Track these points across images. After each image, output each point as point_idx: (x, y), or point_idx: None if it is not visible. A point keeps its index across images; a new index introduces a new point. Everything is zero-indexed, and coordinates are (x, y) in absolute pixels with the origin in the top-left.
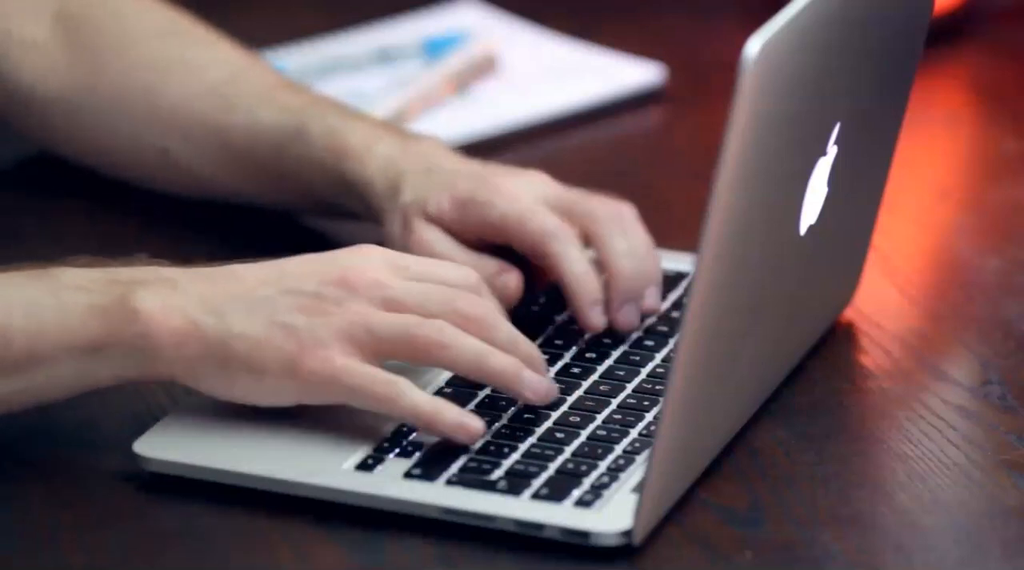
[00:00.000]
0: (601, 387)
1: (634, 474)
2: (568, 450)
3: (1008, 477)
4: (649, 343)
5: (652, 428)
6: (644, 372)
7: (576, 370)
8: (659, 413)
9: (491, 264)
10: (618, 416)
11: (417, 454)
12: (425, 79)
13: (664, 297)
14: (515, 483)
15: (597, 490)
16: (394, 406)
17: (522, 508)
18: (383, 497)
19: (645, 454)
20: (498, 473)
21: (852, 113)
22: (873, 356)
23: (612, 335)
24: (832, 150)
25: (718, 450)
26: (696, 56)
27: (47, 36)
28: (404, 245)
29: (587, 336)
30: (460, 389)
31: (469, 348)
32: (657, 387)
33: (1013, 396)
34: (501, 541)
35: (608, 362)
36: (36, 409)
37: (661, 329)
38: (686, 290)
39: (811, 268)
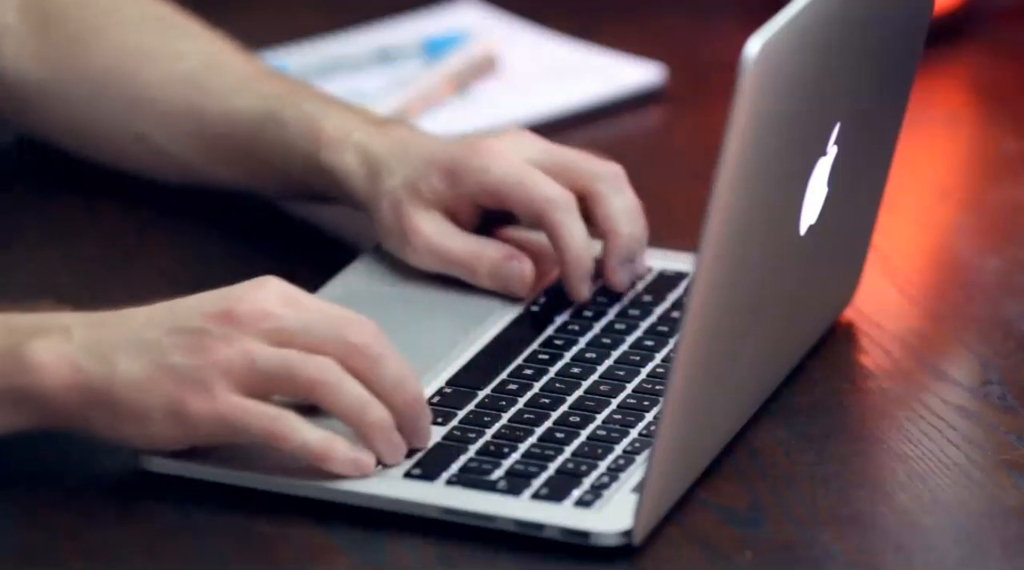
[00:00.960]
0: (601, 387)
1: (634, 474)
2: (568, 450)
3: (1008, 477)
4: (649, 343)
5: (652, 428)
6: (644, 372)
7: (576, 370)
8: (659, 413)
9: (497, 249)
10: (618, 416)
11: (417, 454)
12: (425, 79)
13: (664, 297)
14: (515, 483)
15: (597, 490)
16: (284, 443)
17: (522, 508)
18: (383, 497)
19: (645, 454)
20: (498, 473)
21: (852, 113)
22: (873, 356)
23: (612, 335)
24: (832, 150)
25: (718, 450)
26: (696, 56)
27: (16, 22)
28: (401, 237)
29: (587, 335)
30: (460, 389)
31: (352, 394)
32: (657, 387)
33: (1013, 396)
34: (501, 541)
35: (608, 362)
36: None
37: (661, 329)
38: (686, 290)
39: (811, 268)
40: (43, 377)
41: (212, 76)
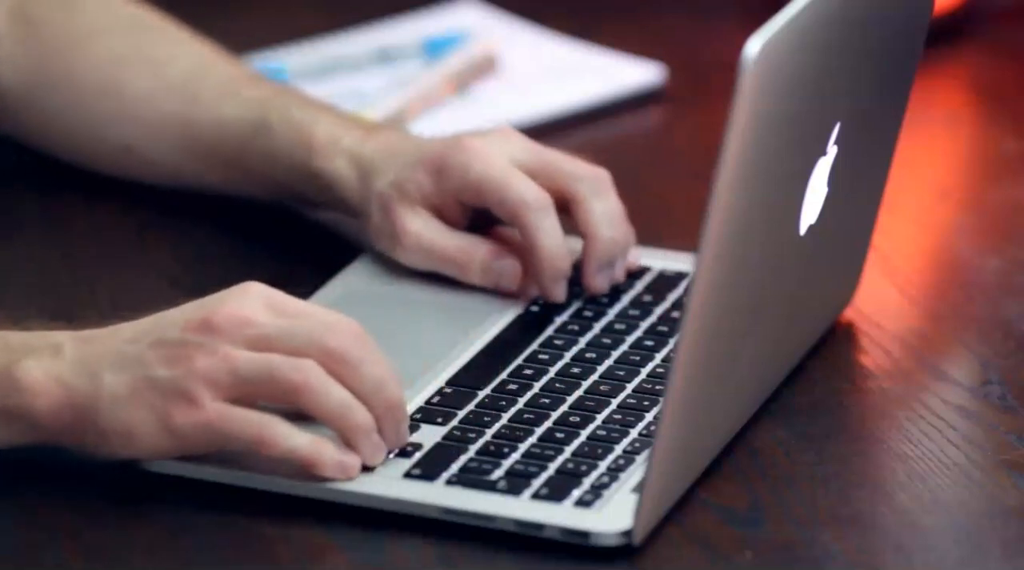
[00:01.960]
0: (601, 387)
1: (634, 474)
2: (568, 450)
3: (1008, 477)
4: (649, 343)
5: (652, 428)
6: (644, 372)
7: (576, 370)
8: (659, 413)
9: (489, 247)
10: (618, 416)
11: (417, 454)
12: (425, 79)
13: (664, 297)
14: (515, 483)
15: (597, 490)
16: (272, 448)
17: (522, 508)
18: (383, 497)
19: (645, 454)
20: (498, 473)
21: (852, 113)
22: (873, 356)
23: (612, 335)
24: (832, 150)
25: (718, 450)
26: (696, 56)
27: (2, 30)
28: (391, 237)
29: (587, 335)
30: (460, 389)
31: (335, 397)
32: (657, 387)
33: (1013, 396)
34: (501, 541)
35: (608, 362)
36: None
37: (661, 329)
38: (686, 290)
39: (811, 268)
40: (34, 397)
41: (199, 84)
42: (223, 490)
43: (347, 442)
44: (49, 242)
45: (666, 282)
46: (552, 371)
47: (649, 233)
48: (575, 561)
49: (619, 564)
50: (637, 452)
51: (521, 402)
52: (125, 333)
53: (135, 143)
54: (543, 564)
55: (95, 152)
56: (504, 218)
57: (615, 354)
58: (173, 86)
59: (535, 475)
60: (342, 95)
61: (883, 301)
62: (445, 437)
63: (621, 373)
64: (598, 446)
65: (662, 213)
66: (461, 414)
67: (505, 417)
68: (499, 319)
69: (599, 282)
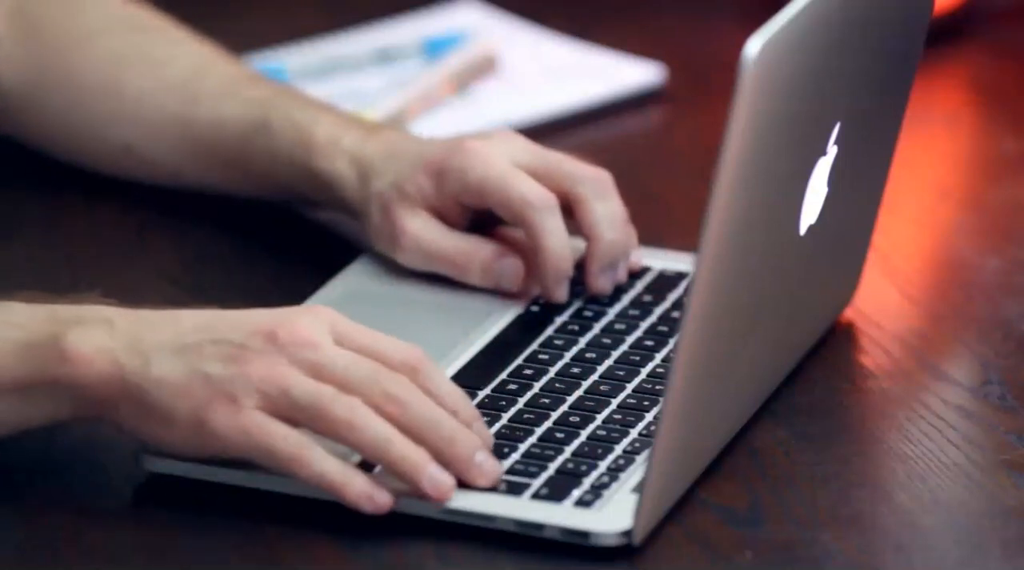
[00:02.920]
0: (601, 387)
1: (634, 474)
2: (568, 450)
3: (1008, 477)
4: (649, 343)
5: (652, 428)
6: (644, 372)
7: (576, 370)
8: (659, 413)
9: (486, 248)
10: (618, 416)
11: None
12: (425, 79)
13: (664, 297)
14: (515, 483)
15: (597, 490)
16: (302, 470)
17: (522, 508)
18: None
19: (645, 454)
20: None
21: (852, 113)
22: (873, 356)
23: (612, 335)
24: (832, 150)
25: (718, 450)
26: (696, 56)
27: (3, 31)
28: (391, 238)
29: (587, 335)
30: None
31: (377, 433)
32: (657, 387)
33: (1013, 396)
34: (501, 541)
35: (608, 362)
36: None
37: (661, 329)
38: (686, 290)
39: (811, 268)
40: (81, 367)
41: (199, 83)
42: (223, 490)
43: (396, 477)
44: (49, 242)
45: (666, 282)
46: (552, 371)
47: (649, 233)
48: (575, 561)
49: (619, 564)
50: (637, 452)
51: (521, 402)
52: (185, 323)
53: (135, 143)
54: (543, 564)
55: (95, 152)
56: (508, 219)
57: (615, 354)
58: (173, 86)
59: (535, 475)
60: (342, 95)
61: (883, 301)
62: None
63: (621, 373)
64: (598, 446)
65: (662, 213)
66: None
67: (505, 417)
68: (499, 319)
69: (602, 283)
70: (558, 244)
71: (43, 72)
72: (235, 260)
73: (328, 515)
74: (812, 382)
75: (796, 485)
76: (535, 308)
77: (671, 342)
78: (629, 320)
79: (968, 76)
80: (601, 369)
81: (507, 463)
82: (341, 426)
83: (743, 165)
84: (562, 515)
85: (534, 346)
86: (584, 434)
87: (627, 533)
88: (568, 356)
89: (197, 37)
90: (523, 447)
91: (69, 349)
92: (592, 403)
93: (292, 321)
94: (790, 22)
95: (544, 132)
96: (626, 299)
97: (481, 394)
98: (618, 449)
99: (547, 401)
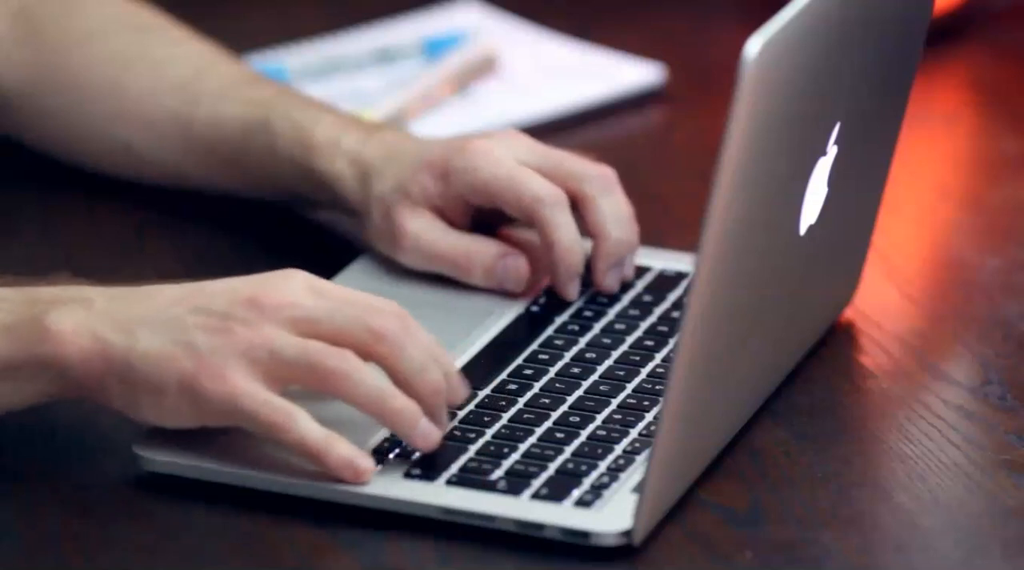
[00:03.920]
0: (601, 387)
1: (634, 474)
2: (568, 450)
3: (1008, 477)
4: (649, 343)
5: (652, 428)
6: (644, 372)
7: (576, 370)
8: (659, 413)
9: (490, 248)
10: (618, 416)
11: (417, 454)
12: (425, 79)
13: (664, 297)
14: (515, 483)
15: (597, 490)
16: (284, 436)
17: (522, 508)
18: (383, 497)
19: (645, 454)
20: (498, 473)
21: (852, 113)
22: (873, 356)
23: (612, 335)
24: (832, 150)
25: (718, 450)
26: (696, 56)
27: (4, 30)
28: (391, 239)
29: (587, 336)
30: None
31: (370, 385)
32: (657, 387)
33: (1013, 396)
34: (501, 541)
35: (608, 362)
36: (35, 408)
37: (661, 329)
38: (686, 290)
39: (811, 268)
40: (63, 344)
41: (199, 83)
42: (223, 490)
43: (390, 428)
44: (48, 242)
45: (666, 282)
46: (552, 371)
47: (649, 233)
48: (575, 561)
49: (619, 564)
50: (637, 452)
51: (521, 402)
52: (164, 295)
53: (136, 143)
54: (543, 564)
55: (96, 152)
56: (518, 216)
57: (615, 354)
58: (174, 86)
59: (535, 475)
60: (342, 95)
61: (883, 301)
62: (445, 437)
63: (621, 373)
64: (598, 446)
65: (662, 213)
66: (461, 414)
67: (505, 417)
68: (499, 319)
69: (610, 281)
70: (570, 239)
71: (44, 72)
72: (235, 260)
73: (328, 515)
74: (812, 382)
75: (796, 485)
76: (535, 308)
77: (671, 342)
78: (629, 320)
79: (968, 76)
80: (601, 369)
81: (507, 463)
82: (336, 377)
83: (743, 165)
84: (562, 515)
85: (534, 346)
86: (584, 434)
87: (627, 533)
88: (568, 356)
89: (198, 37)
90: (523, 447)
91: (51, 328)
92: (592, 403)
93: (270, 285)
94: (790, 22)
95: (544, 132)
96: (626, 299)
97: (481, 394)
98: (618, 449)
99: (547, 401)
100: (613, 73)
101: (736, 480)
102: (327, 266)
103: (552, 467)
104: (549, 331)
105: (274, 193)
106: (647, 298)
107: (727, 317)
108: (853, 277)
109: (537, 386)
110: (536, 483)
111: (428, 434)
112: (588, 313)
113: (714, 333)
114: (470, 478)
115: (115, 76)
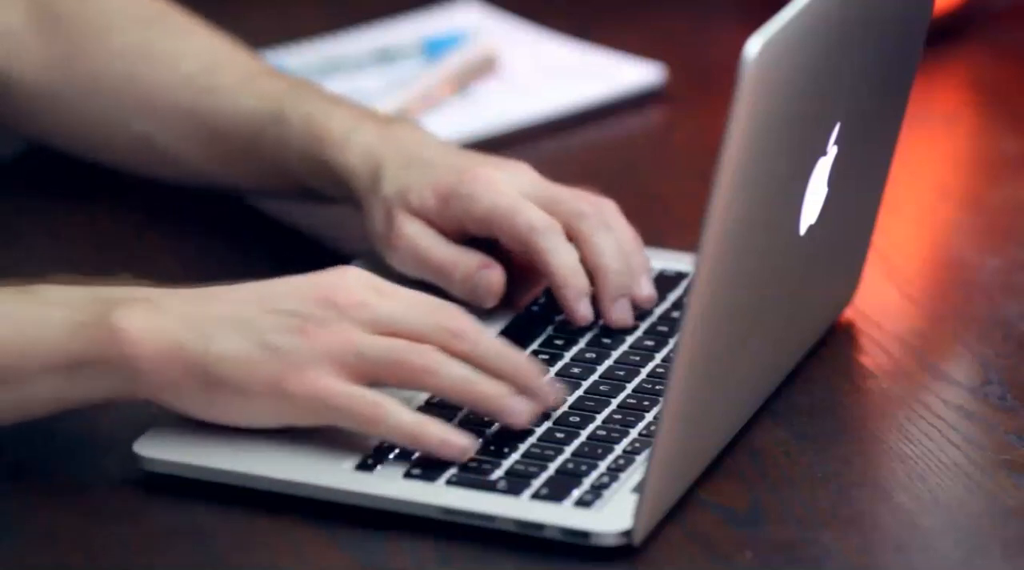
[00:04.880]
0: (601, 387)
1: (634, 474)
2: (568, 450)
3: (1008, 477)
4: (649, 343)
5: (652, 428)
6: (644, 372)
7: (576, 370)
8: (659, 413)
9: (473, 258)
10: (618, 416)
11: (417, 454)
12: (425, 79)
13: (664, 297)
14: (515, 483)
15: (597, 490)
16: (379, 427)
17: (522, 508)
18: (383, 497)
19: (645, 454)
20: (498, 473)
21: (852, 113)
22: (873, 356)
23: (612, 335)
24: (832, 150)
25: (718, 450)
26: (696, 56)
27: (21, 22)
28: (386, 240)
29: (587, 335)
30: None
31: (457, 374)
32: (657, 387)
33: (1013, 396)
34: (501, 541)
35: (608, 362)
36: None
37: (661, 329)
38: (686, 290)
39: (811, 268)
40: (136, 347)
41: (215, 75)
42: (223, 490)
43: (484, 414)
44: (49, 243)
45: (666, 282)
46: (552, 371)
47: (649, 233)
48: (575, 561)
49: (619, 564)
50: (637, 452)
51: None
52: (230, 297)
53: (153, 135)
54: (543, 564)
55: (113, 146)
56: (515, 248)
57: (615, 354)
58: (189, 77)
59: (535, 475)
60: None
61: (883, 301)
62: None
63: (621, 373)
64: (598, 446)
65: (662, 213)
66: (461, 414)
67: None
68: (499, 319)
69: (617, 314)
70: (567, 261)
71: (62, 65)
72: (235, 260)
73: (328, 515)
74: (812, 382)
75: (796, 485)
76: (535, 308)
77: (671, 342)
78: None
79: (968, 76)
80: (601, 369)
81: (507, 463)
82: (421, 373)
83: (743, 165)
84: (562, 515)
85: (534, 346)
86: (584, 434)
87: (627, 533)
88: (568, 356)
89: (214, 30)
90: (523, 447)
91: (120, 328)
92: (592, 403)
93: (337, 284)
94: (790, 22)
95: (544, 132)
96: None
97: None
98: (618, 449)
99: None
100: (613, 73)
101: (736, 480)
102: (327, 266)
103: (552, 467)
104: (549, 331)
105: (285, 187)
106: None
107: (727, 317)
108: (853, 277)
109: None
110: (536, 483)
111: (522, 409)
112: None
113: (714, 333)
114: (470, 478)
115: (132, 68)
